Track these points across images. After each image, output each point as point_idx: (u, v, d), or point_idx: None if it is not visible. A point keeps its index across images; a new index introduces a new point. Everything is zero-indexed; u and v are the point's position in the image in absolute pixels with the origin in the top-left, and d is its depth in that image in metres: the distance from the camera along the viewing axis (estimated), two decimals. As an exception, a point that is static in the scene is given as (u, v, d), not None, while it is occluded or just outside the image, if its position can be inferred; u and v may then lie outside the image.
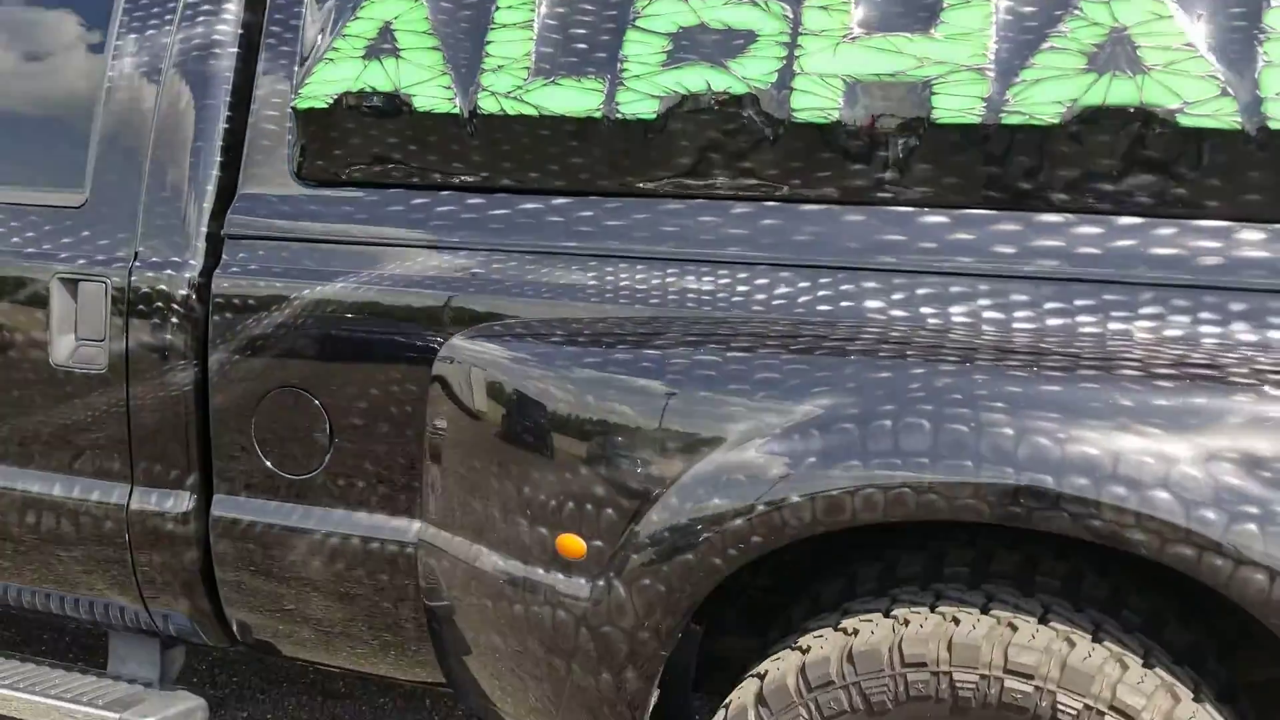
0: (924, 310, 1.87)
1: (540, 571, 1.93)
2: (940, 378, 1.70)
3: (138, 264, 2.34)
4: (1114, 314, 1.79)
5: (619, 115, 2.03)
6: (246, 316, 2.25)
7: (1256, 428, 1.57)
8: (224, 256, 2.30)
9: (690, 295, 2.01)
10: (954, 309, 1.86)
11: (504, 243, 2.12)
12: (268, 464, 2.27)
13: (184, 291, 2.30)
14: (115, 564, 2.43)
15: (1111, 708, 1.55)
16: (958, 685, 1.60)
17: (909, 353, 1.77)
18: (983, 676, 1.59)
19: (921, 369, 1.72)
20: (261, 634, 2.41)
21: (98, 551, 2.44)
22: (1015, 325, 1.82)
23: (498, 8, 2.12)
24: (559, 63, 2.08)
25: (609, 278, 2.06)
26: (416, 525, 2.17)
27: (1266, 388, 1.60)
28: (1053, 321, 1.82)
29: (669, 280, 2.02)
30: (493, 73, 2.12)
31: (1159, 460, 1.57)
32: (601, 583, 1.85)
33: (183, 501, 2.35)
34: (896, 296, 1.89)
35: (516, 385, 1.92)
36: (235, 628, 2.42)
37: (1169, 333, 1.76)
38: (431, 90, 2.15)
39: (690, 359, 1.85)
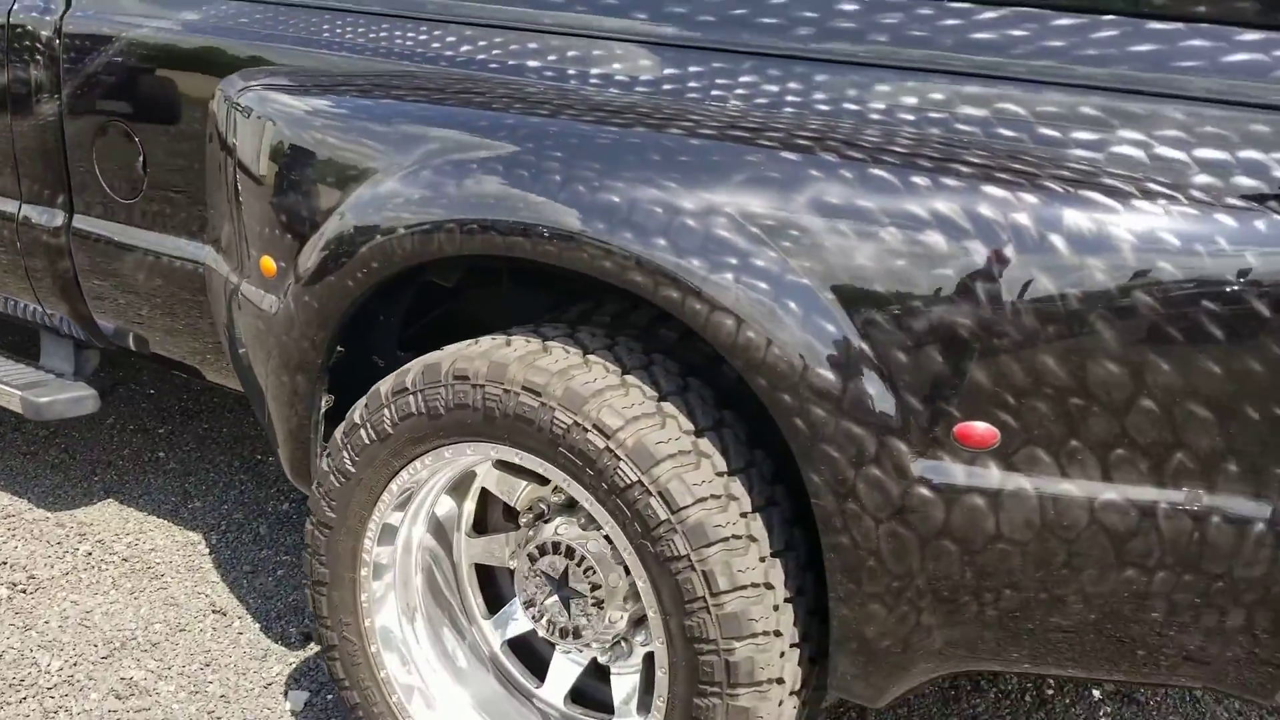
0: (570, 71, 2.00)
1: (254, 289, 2.23)
2: (522, 129, 1.85)
3: (15, 6, 2.70)
4: (717, 81, 1.87)
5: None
6: (86, 56, 2.59)
7: (753, 186, 1.67)
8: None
9: (397, 48, 2.19)
10: (594, 70, 1.98)
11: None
12: (106, 189, 2.64)
13: (47, 33, 2.65)
14: (17, 269, 2.90)
15: (594, 426, 1.74)
16: (488, 397, 1.82)
17: (514, 105, 1.91)
18: (506, 390, 1.80)
19: (511, 119, 1.88)
20: (123, 338, 2.84)
21: (5, 258, 2.90)
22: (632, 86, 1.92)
23: None
24: None
25: (340, 31, 2.26)
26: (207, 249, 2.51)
27: (782, 151, 1.68)
28: (668, 87, 1.91)
29: (381, 34, 2.21)
30: None
31: (666, 210, 1.70)
32: (281, 298, 2.13)
33: (55, 218, 2.77)
34: (552, 58, 2.02)
35: (241, 121, 2.18)
36: (102, 329, 2.86)
37: (759, 100, 1.83)
38: None
39: (353, 104, 2.05)
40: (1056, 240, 1.54)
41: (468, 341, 1.94)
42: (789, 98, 1.80)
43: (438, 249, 1.89)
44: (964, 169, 1.60)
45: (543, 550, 2.00)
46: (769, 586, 1.76)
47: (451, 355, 1.88)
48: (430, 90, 2.03)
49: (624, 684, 2.09)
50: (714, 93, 1.86)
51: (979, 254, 1.56)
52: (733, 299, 1.66)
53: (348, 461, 2.00)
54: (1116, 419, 1.56)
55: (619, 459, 1.73)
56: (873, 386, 1.62)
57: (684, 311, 1.70)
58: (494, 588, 2.26)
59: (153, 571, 2.97)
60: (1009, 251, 1.55)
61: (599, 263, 1.75)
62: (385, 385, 1.96)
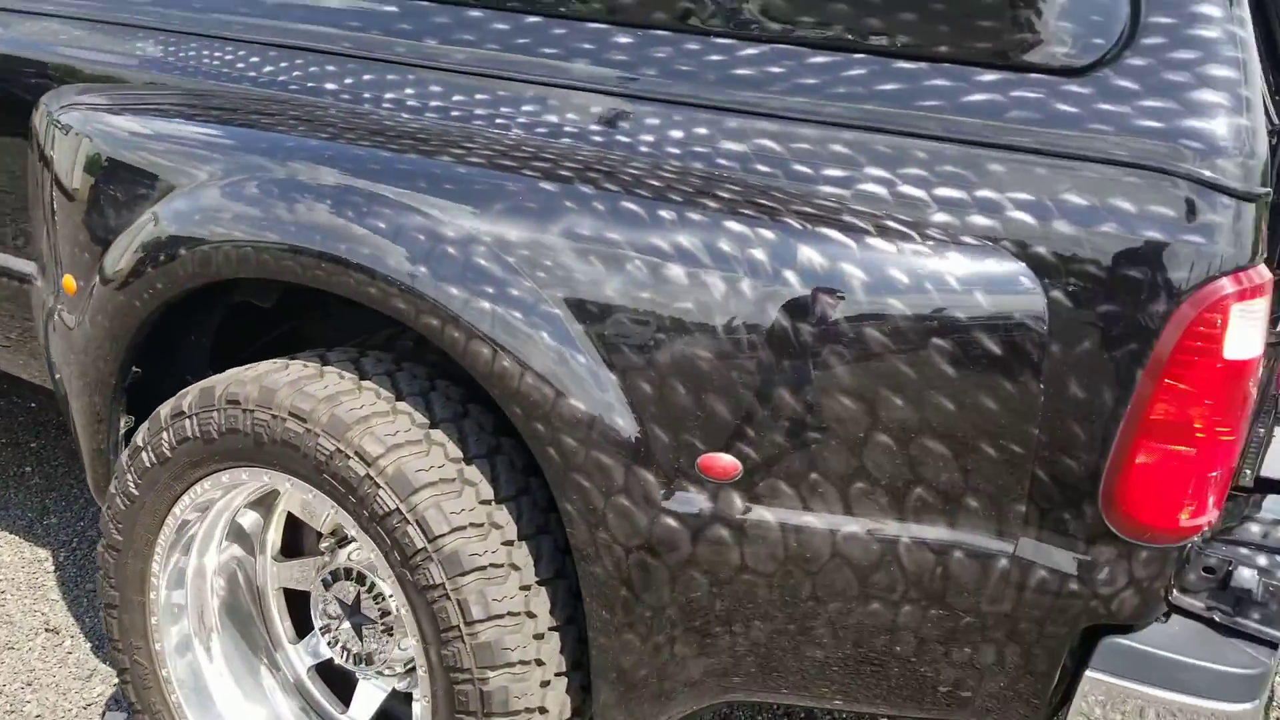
0: (365, 94, 1.99)
1: (61, 307, 2.21)
2: (300, 152, 1.85)
3: None
4: (502, 109, 1.87)
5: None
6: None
7: (512, 215, 1.67)
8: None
9: (204, 68, 2.18)
10: (387, 94, 1.97)
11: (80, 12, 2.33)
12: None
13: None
14: None
15: (356, 453, 1.73)
16: (257, 422, 1.81)
17: (299, 127, 1.91)
18: (274, 416, 1.79)
19: (291, 142, 1.87)
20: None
21: None
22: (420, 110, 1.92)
23: None
24: None
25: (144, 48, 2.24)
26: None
27: (542, 181, 1.69)
28: (456, 113, 1.91)
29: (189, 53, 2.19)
30: None
31: (428, 237, 1.70)
32: (80, 316, 2.11)
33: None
34: (349, 81, 2.02)
35: (59, 137, 2.15)
36: None
37: (539, 129, 1.83)
38: None
39: (147, 124, 2.04)
40: (790, 275, 1.55)
41: (249, 365, 1.93)
42: (566, 128, 1.80)
43: (215, 270, 1.88)
44: (711, 203, 1.61)
45: (336, 576, 1.99)
46: (530, 615, 1.75)
47: (226, 379, 1.87)
48: (222, 111, 2.02)
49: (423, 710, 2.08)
50: (498, 120, 1.86)
51: (717, 287, 1.57)
52: (489, 327, 1.66)
53: (131, 484, 1.98)
54: (854, 453, 1.57)
55: (379, 486, 1.72)
56: (621, 417, 1.62)
57: (444, 339, 1.69)
58: (308, 611, 2.24)
59: (-10, 589, 2.93)
60: (745, 285, 1.56)
61: (365, 289, 1.74)
62: (165, 408, 1.94)
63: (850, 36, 1.63)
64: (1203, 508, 1.54)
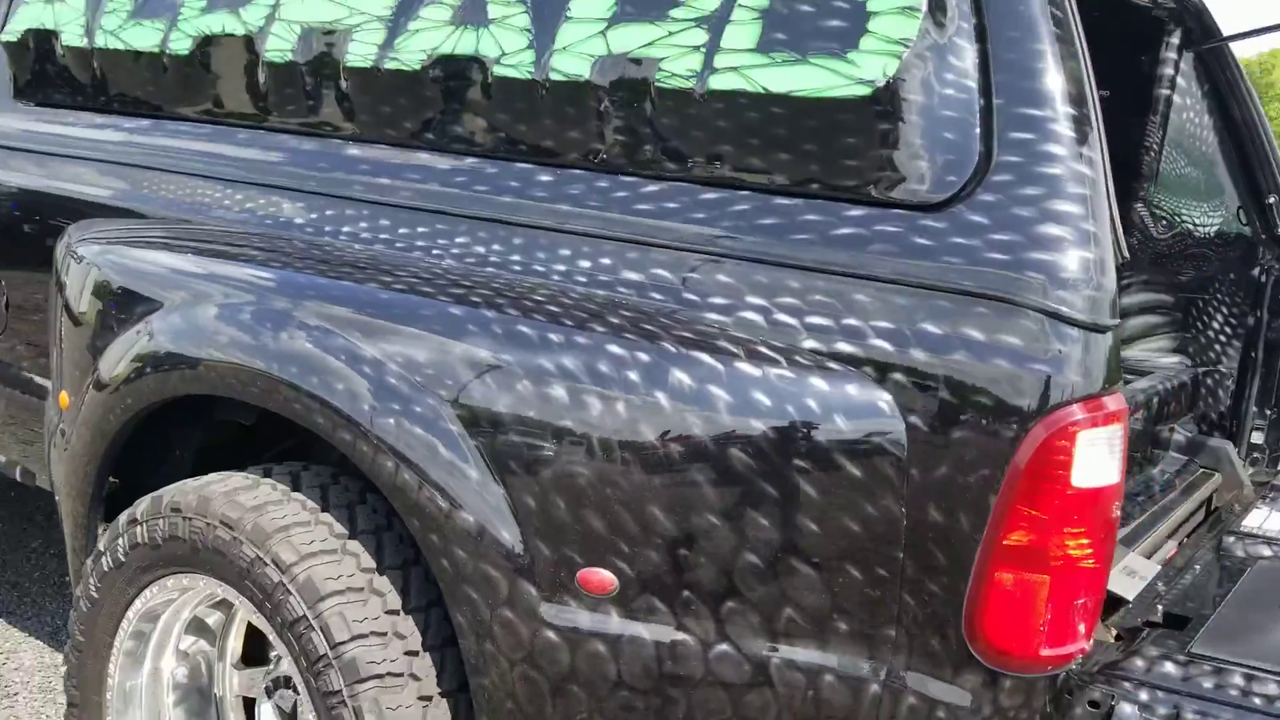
0: (326, 227, 2.15)
1: (57, 420, 2.39)
2: (254, 286, 2.01)
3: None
4: (438, 240, 2.00)
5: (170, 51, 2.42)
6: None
7: (421, 337, 1.79)
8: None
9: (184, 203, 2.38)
10: (344, 228, 2.13)
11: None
12: (-18, 321, 2.87)
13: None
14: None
15: (273, 560, 1.83)
16: (193, 529, 1.93)
17: (258, 257, 2.07)
18: (208, 524, 1.91)
19: (249, 271, 2.03)
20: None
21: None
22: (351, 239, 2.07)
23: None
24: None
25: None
26: (52, 382, 2.68)
27: (451, 305, 1.81)
28: (399, 244, 2.05)
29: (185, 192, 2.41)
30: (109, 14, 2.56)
31: (349, 358, 1.82)
32: (70, 428, 2.29)
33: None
34: (313, 216, 2.19)
35: (73, 266, 2.36)
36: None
37: (468, 259, 1.96)
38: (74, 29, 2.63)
39: (123, 255, 2.23)
40: (661, 396, 1.62)
41: (202, 476, 2.06)
42: (491, 258, 1.93)
43: (172, 389, 2.03)
44: (599, 328, 1.70)
45: (276, 684, 2.07)
46: (428, 726, 1.80)
47: (174, 488, 2.00)
48: (195, 242, 2.20)
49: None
50: (434, 251, 1.99)
51: (594, 407, 1.65)
52: (392, 442, 1.76)
53: (93, 587, 2.11)
54: (724, 572, 1.61)
55: (290, 593, 1.81)
56: (507, 530, 1.69)
57: (355, 453, 1.80)
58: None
59: None
60: (620, 406, 1.64)
61: (292, 405, 1.87)
62: (123, 515, 2.07)
63: (736, 175, 1.73)
64: (1065, 637, 1.53)
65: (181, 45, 2.40)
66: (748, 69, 1.69)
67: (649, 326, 1.69)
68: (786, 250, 1.67)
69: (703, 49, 1.73)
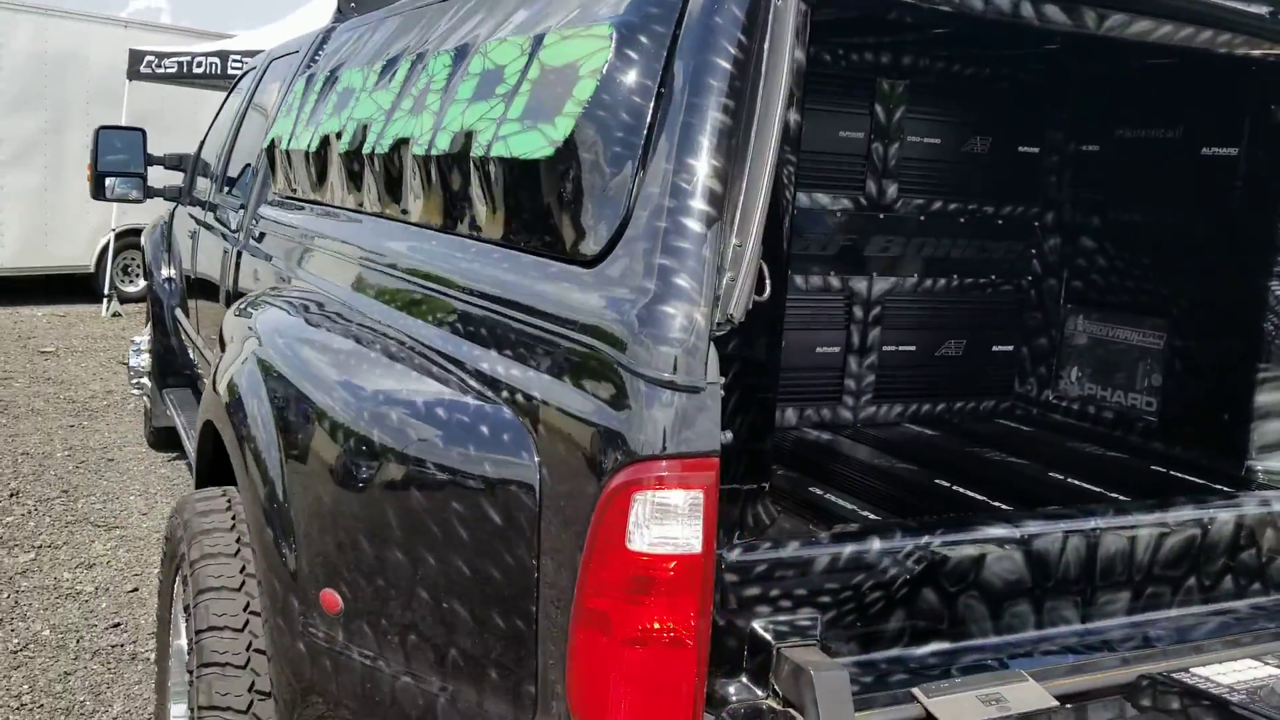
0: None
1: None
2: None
3: None
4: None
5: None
6: None
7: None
8: None
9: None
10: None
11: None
12: None
13: None
14: None
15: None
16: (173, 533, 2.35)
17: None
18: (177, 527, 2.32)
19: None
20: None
21: None
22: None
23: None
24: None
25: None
26: None
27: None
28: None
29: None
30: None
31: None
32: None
33: None
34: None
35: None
36: None
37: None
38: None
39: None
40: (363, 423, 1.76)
41: None
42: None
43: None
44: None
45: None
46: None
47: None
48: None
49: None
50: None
51: (318, 431, 1.82)
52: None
53: (159, 575, 2.61)
54: (405, 608, 1.69)
55: (186, 585, 2.15)
56: (287, 549, 1.90)
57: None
58: None
59: None
60: (337, 432, 1.80)
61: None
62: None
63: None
64: (644, 715, 1.42)
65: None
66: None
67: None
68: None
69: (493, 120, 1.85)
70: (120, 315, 10.61)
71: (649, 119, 1.55)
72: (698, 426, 1.40)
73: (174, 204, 5.65)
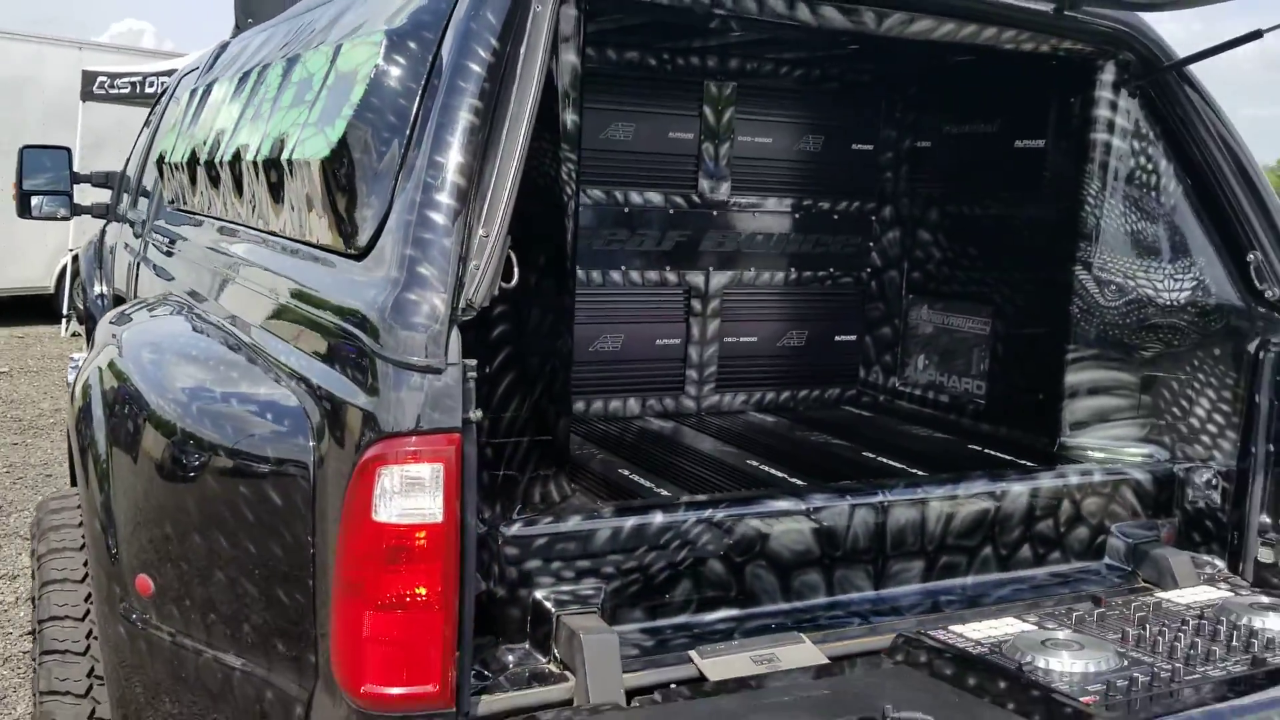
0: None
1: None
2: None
3: None
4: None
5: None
6: None
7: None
8: None
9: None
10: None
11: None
12: None
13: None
14: None
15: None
16: (29, 525, 2.44)
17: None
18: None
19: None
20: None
21: None
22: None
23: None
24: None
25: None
26: None
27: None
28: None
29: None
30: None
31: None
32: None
33: None
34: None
35: None
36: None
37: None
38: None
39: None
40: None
41: None
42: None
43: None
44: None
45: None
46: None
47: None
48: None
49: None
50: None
51: (128, 421, 1.92)
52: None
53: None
54: (203, 586, 1.78)
55: (33, 577, 2.24)
56: (110, 536, 1.99)
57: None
58: None
59: None
60: (142, 419, 1.89)
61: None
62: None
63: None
64: (399, 678, 1.51)
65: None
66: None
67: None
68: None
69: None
70: (79, 334, 10.65)
71: (412, 119, 1.65)
72: (440, 405, 1.50)
73: (103, 221, 5.74)
